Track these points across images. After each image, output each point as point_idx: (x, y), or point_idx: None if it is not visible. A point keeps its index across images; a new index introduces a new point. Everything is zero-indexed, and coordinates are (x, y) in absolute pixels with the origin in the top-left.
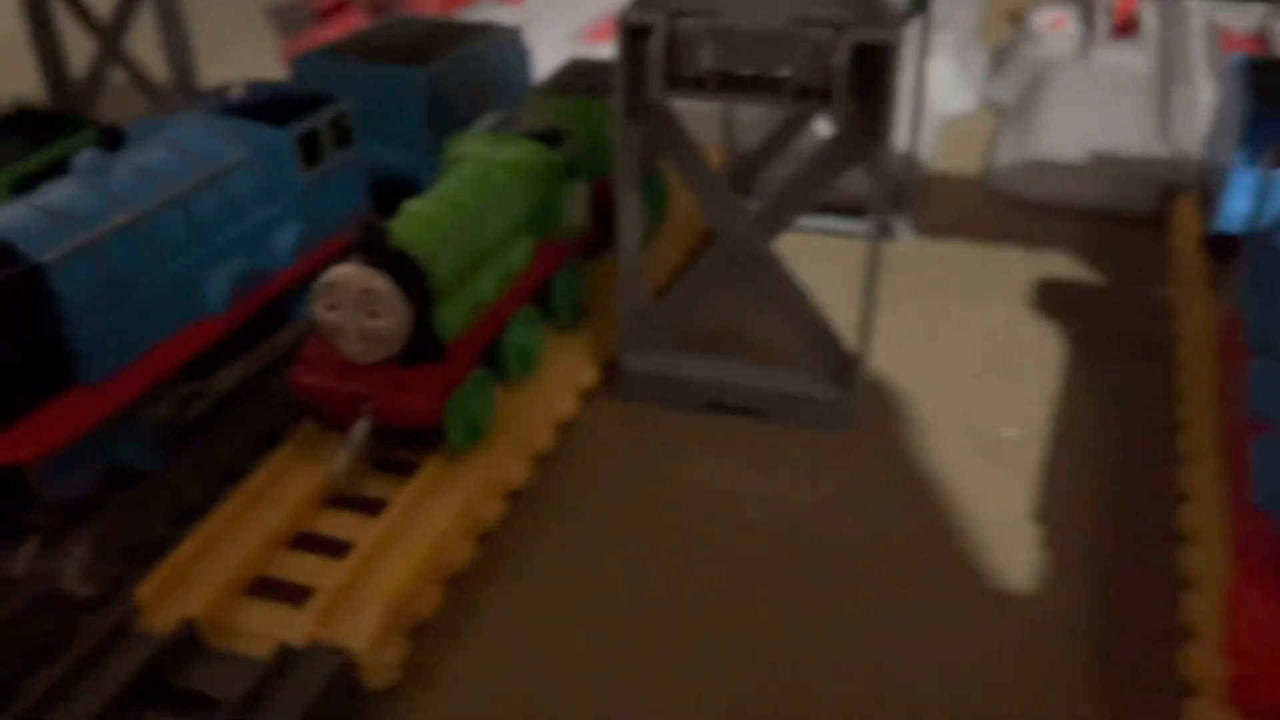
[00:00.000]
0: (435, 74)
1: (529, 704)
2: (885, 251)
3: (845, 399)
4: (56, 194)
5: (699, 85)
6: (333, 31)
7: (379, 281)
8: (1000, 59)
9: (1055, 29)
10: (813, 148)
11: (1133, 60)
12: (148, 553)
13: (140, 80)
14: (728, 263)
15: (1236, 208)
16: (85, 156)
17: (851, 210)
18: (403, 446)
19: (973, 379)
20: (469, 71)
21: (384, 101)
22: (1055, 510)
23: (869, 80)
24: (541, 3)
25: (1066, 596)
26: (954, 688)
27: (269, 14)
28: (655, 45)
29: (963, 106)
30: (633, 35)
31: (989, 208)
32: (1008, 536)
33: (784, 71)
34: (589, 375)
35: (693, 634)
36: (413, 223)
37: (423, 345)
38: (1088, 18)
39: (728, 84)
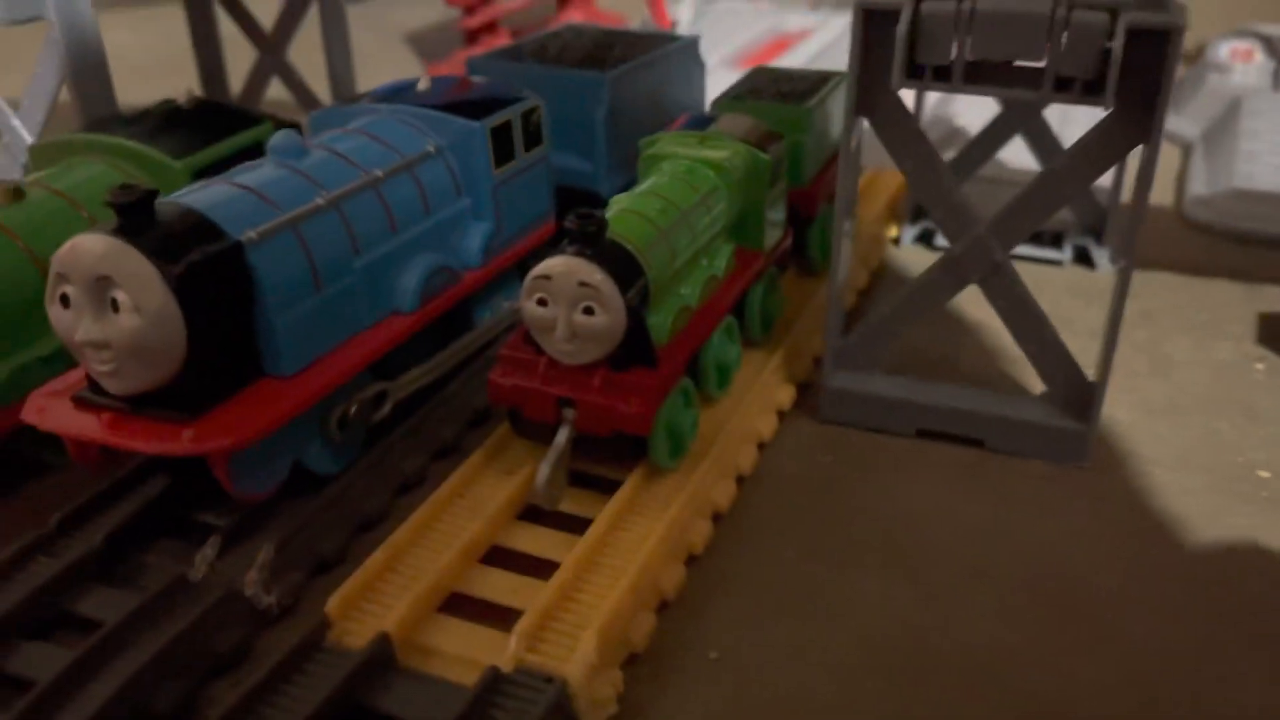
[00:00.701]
0: (617, 78)
1: None
2: (1083, 281)
3: (1083, 431)
4: (253, 174)
5: (942, 75)
6: (481, 52)
7: (599, 275)
8: (1177, 91)
9: (1242, 60)
10: (1000, 172)
11: None
12: (327, 563)
13: (299, 91)
14: (955, 277)
15: None
16: (281, 138)
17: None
18: (597, 462)
19: (1209, 416)
20: (648, 80)
21: (562, 107)
22: None
23: (1142, 71)
24: (690, 30)
25: None
26: None
27: (413, 39)
28: (902, 29)
29: None
30: (869, 20)
31: (1185, 238)
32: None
33: (1041, 60)
34: (785, 394)
35: (944, 676)
36: (626, 218)
37: (636, 347)
38: (1272, 49)
39: (976, 74)
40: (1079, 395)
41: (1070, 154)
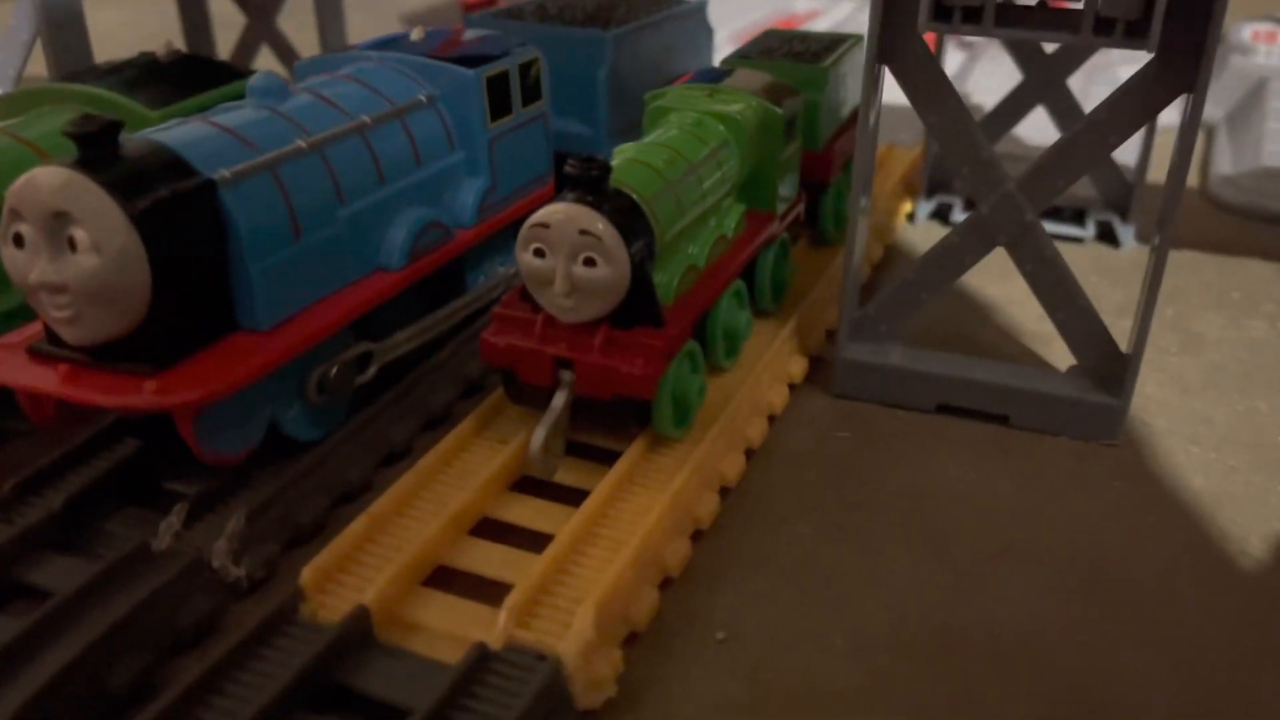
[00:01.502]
0: (619, 38)
1: None
2: (1107, 259)
3: (1116, 406)
4: (231, 114)
5: (972, 17)
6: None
7: (601, 224)
8: None
9: (1266, 42)
10: (1018, 149)
11: None
12: (303, 535)
13: (290, 59)
14: (982, 239)
15: None
16: (262, 79)
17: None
18: (597, 431)
19: (1246, 394)
20: (653, 42)
21: (563, 67)
22: None
23: (1188, 12)
24: None
25: None
26: None
27: (411, 19)
28: None
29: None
30: None
31: (1211, 218)
32: None
33: (1077, 2)
34: (797, 365)
35: (976, 663)
36: (631, 167)
37: (640, 305)
38: None
39: (1009, 15)
40: (1111, 368)
41: (1108, 104)
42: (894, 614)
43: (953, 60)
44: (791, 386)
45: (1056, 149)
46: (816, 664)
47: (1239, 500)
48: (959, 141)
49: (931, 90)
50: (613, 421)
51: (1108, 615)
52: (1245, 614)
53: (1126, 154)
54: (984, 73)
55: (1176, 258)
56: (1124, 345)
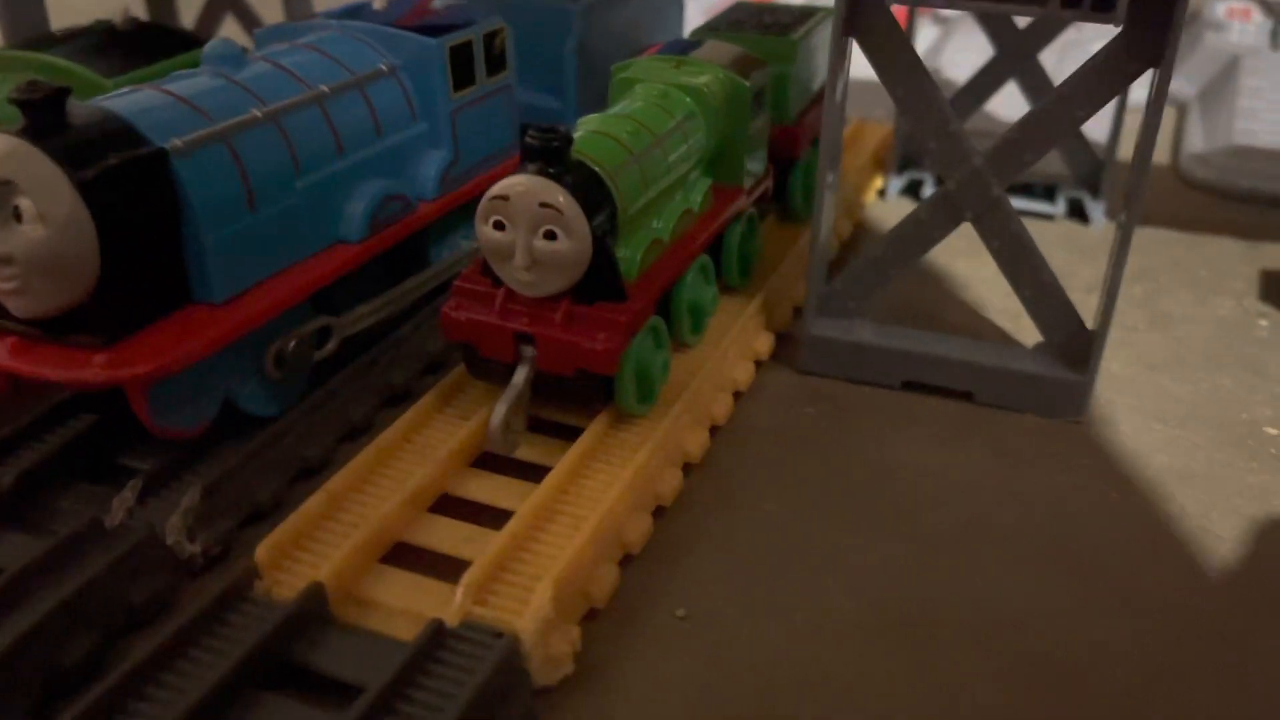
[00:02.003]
0: (587, 10)
1: (739, 708)
2: (1077, 236)
3: (1081, 382)
4: (184, 82)
5: None
6: None
7: (562, 196)
8: None
9: (1240, 19)
10: (989, 125)
11: None
12: (261, 512)
13: (254, 27)
14: (949, 214)
15: None
16: (218, 46)
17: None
18: (558, 408)
19: (1212, 372)
20: (622, 15)
21: (530, 40)
22: None
23: None
24: None
25: None
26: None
27: None
28: None
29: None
30: None
31: (1181, 195)
32: None
33: None
34: (764, 343)
35: (946, 639)
36: (594, 139)
37: (602, 279)
38: (1270, 8)
39: None
40: (1077, 345)
41: (1075, 79)
42: (858, 590)
43: (926, 36)
44: (758, 363)
45: (1023, 123)
46: (779, 640)
47: (1201, 477)
48: (926, 115)
49: (898, 63)
50: (575, 397)
51: (1071, 589)
52: (1205, 588)
53: (1099, 130)
54: (958, 48)
55: (1146, 235)
56: (1091, 322)
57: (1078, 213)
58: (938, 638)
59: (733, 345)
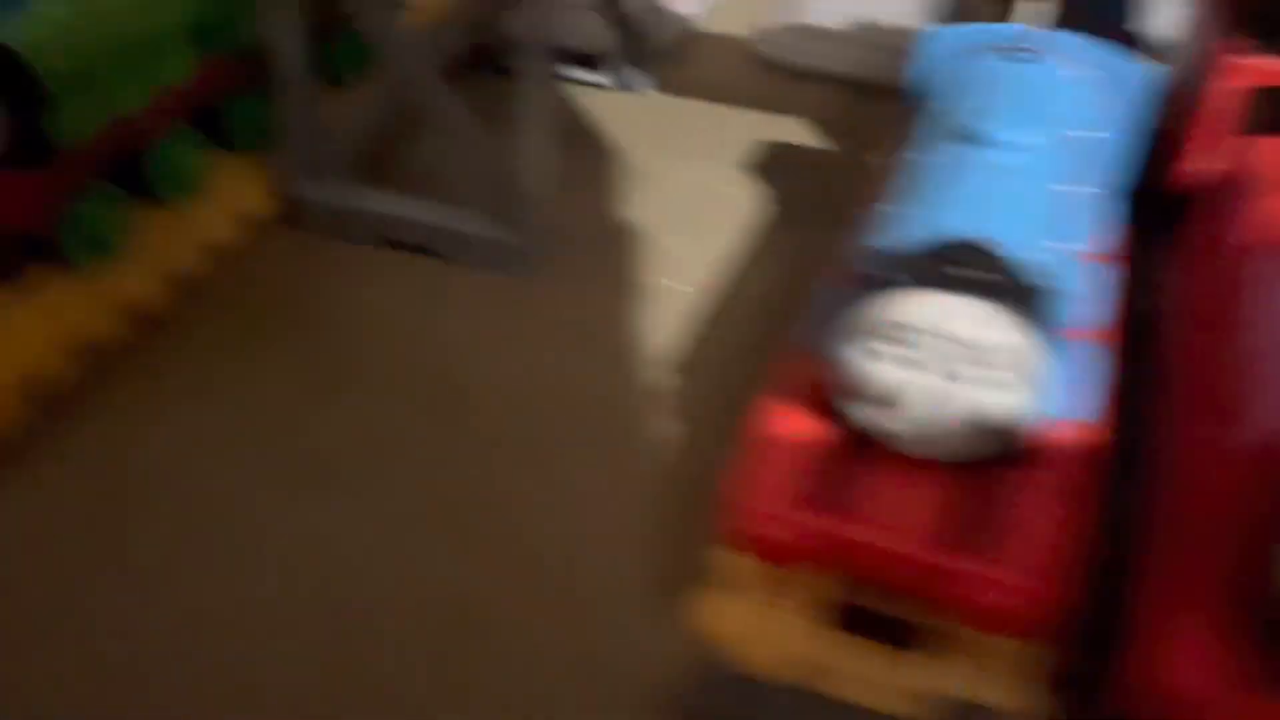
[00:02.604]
0: None
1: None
2: (616, 104)
3: (519, 243)
4: None
5: None
6: None
7: None
8: None
9: None
10: None
11: None
12: None
13: None
14: (397, 87)
15: None
16: None
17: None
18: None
19: (661, 235)
20: None
21: None
22: (699, 358)
23: None
24: None
25: (685, 443)
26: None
27: None
28: None
29: None
30: None
31: (751, 72)
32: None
33: None
34: (253, 201)
35: (344, 470)
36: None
37: (24, 148)
38: None
39: None
40: (518, 208)
41: None
42: (273, 427)
43: None
44: (262, 228)
45: None
46: (191, 464)
47: (608, 331)
48: None
49: None
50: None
51: (461, 426)
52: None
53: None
54: None
55: (681, 107)
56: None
57: (627, 85)
58: (338, 472)
59: (211, 204)
